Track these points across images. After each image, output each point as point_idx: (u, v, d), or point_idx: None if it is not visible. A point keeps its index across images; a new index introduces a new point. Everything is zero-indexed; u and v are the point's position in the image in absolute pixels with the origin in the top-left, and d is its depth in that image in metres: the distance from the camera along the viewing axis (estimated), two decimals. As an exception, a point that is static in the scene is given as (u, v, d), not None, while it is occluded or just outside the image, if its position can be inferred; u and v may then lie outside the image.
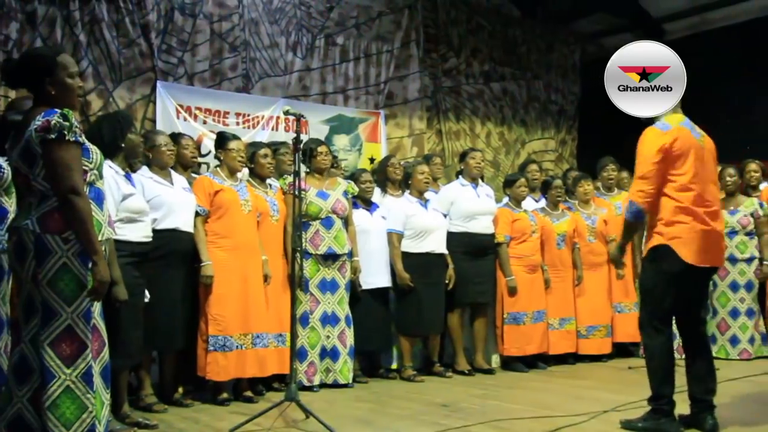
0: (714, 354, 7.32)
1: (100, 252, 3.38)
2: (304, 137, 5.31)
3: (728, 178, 7.75)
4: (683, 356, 4.83)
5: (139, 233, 4.95)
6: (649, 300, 4.72)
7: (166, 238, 5.32)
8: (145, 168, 5.44)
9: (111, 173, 4.69)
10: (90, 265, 3.35)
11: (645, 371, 4.71)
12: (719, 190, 4.88)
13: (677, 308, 4.67)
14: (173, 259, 5.44)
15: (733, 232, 7.65)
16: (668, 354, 4.61)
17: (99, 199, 3.55)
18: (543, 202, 7.91)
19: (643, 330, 4.73)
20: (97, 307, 3.48)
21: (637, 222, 4.72)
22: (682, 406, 4.67)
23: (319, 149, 6.46)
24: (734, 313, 7.66)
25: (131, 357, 4.94)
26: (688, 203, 4.52)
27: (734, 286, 7.67)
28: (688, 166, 4.54)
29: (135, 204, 4.91)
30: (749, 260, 7.67)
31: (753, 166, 7.99)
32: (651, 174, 4.51)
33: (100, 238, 3.42)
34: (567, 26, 12.50)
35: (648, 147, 4.55)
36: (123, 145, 4.84)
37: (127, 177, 4.95)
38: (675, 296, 4.59)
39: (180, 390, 5.69)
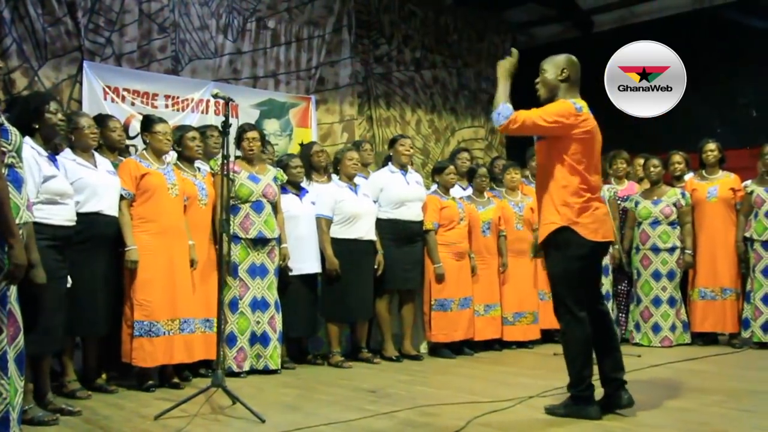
0: (637, 341, 7.69)
1: (17, 235, 3.30)
2: (233, 121, 5.23)
3: (652, 169, 7.89)
4: None
5: (62, 216, 4.79)
6: (562, 286, 4.70)
7: (88, 221, 5.21)
8: (68, 150, 5.32)
9: (33, 154, 4.57)
10: (6, 248, 3.27)
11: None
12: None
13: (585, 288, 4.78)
14: (96, 243, 5.35)
15: (655, 222, 7.81)
16: (587, 339, 4.66)
17: (17, 182, 3.47)
18: (470, 190, 7.96)
19: (560, 317, 4.72)
20: (13, 292, 3.40)
21: (495, 122, 4.64)
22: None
23: (248, 135, 6.41)
24: (656, 302, 7.79)
25: (53, 342, 4.83)
26: (587, 186, 4.63)
27: (657, 275, 7.81)
28: (591, 151, 4.66)
29: (57, 186, 4.75)
30: (671, 250, 7.81)
31: (677, 157, 8.13)
32: (543, 121, 4.54)
33: (18, 222, 3.34)
34: (498, 15, 12.60)
35: (556, 108, 4.59)
36: (37, 126, 4.70)
37: (51, 158, 4.81)
38: (584, 277, 4.69)
39: (104, 376, 5.62)
